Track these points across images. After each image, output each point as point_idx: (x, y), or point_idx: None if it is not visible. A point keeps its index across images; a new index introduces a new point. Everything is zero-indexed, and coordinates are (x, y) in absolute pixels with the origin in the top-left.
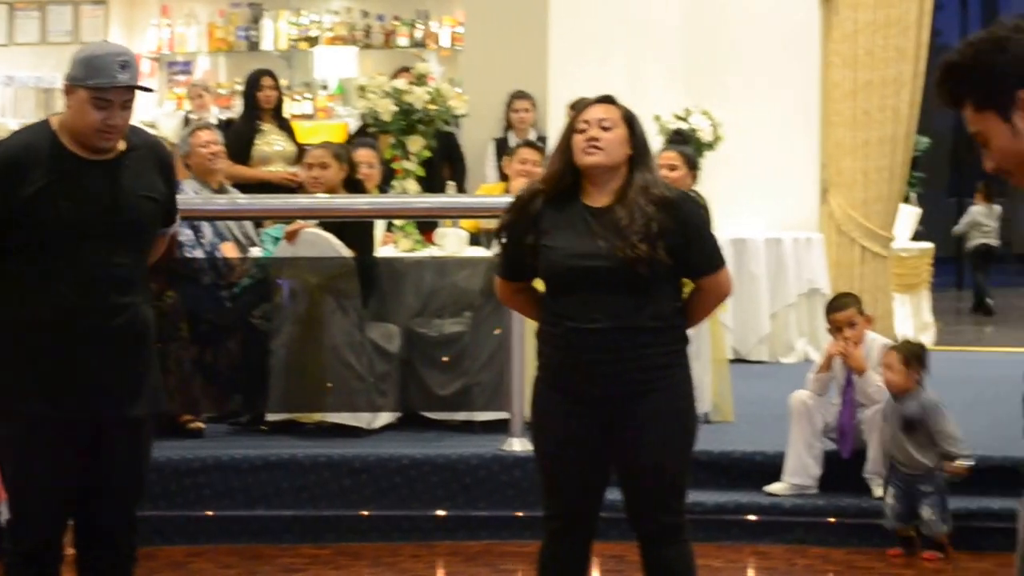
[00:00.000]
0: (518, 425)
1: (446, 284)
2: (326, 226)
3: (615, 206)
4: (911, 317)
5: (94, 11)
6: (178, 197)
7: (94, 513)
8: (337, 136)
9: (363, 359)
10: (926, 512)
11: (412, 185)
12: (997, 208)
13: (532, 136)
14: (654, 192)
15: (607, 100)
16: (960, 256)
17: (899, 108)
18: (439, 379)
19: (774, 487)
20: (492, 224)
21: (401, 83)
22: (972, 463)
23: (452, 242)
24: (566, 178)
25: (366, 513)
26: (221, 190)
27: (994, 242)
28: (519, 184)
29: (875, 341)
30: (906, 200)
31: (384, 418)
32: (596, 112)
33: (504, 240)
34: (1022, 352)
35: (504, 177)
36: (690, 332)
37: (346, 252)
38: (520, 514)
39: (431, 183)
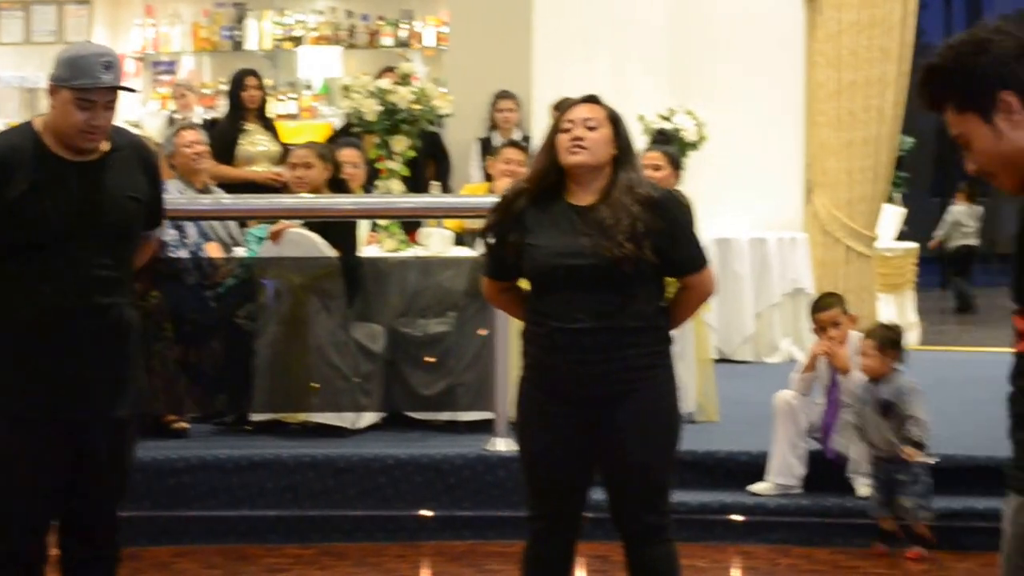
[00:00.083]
0: (503, 425)
1: (430, 284)
2: (310, 226)
3: (600, 205)
4: (896, 317)
5: (78, 11)
6: (163, 197)
7: (78, 513)
8: (321, 136)
9: (347, 359)
10: (906, 501)
11: (396, 185)
12: (978, 208)
13: (516, 136)
14: (639, 191)
15: (592, 100)
16: (943, 257)
17: (883, 108)
18: (423, 379)
19: (758, 487)
20: (477, 224)
21: (385, 83)
22: (926, 458)
23: (436, 242)
24: (550, 177)
25: (351, 513)
26: (205, 190)
27: (975, 242)
28: (503, 184)
29: (859, 340)
30: (890, 200)
31: (368, 418)
32: (581, 112)
33: (490, 239)
34: (1006, 352)
35: (488, 177)
36: (674, 332)
37: (330, 252)
38: (505, 514)
39: (415, 183)
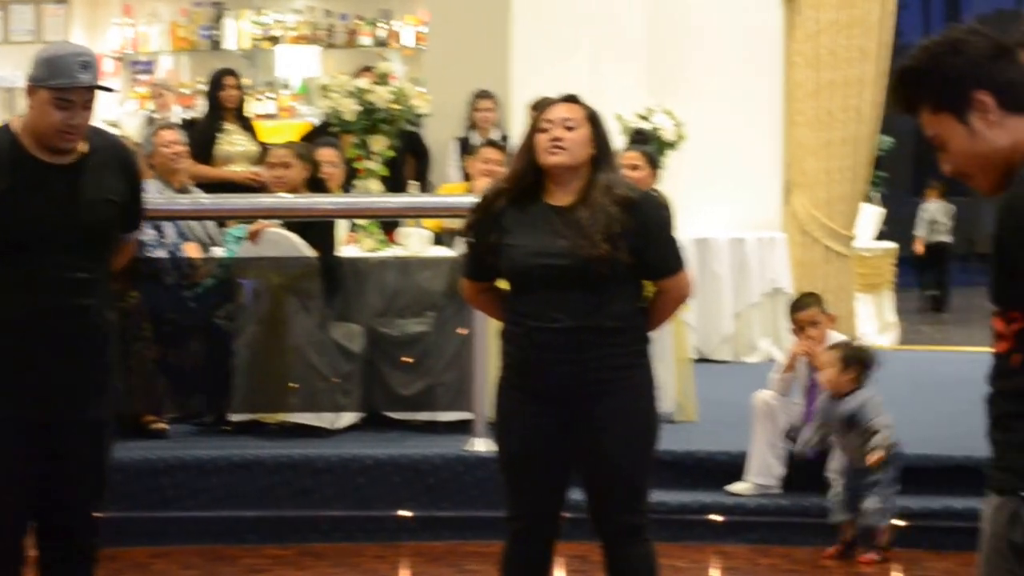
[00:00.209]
0: (481, 425)
1: (409, 284)
2: (289, 226)
3: (578, 205)
4: (874, 317)
5: (56, 10)
6: (142, 199)
7: (55, 514)
8: (298, 135)
9: (326, 359)
10: (869, 503)
11: (375, 185)
12: (952, 206)
13: (495, 135)
14: (617, 192)
15: (570, 99)
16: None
17: (862, 108)
18: (402, 379)
19: (737, 487)
20: (455, 224)
21: (363, 82)
22: (881, 454)
23: (415, 242)
24: (529, 177)
25: (329, 513)
26: (184, 190)
27: (949, 239)
28: (482, 184)
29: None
30: (868, 200)
31: (347, 418)
32: (559, 111)
33: (470, 240)
34: (984, 352)
35: (467, 176)
36: (652, 332)
37: (309, 252)
38: (484, 514)
39: (394, 182)
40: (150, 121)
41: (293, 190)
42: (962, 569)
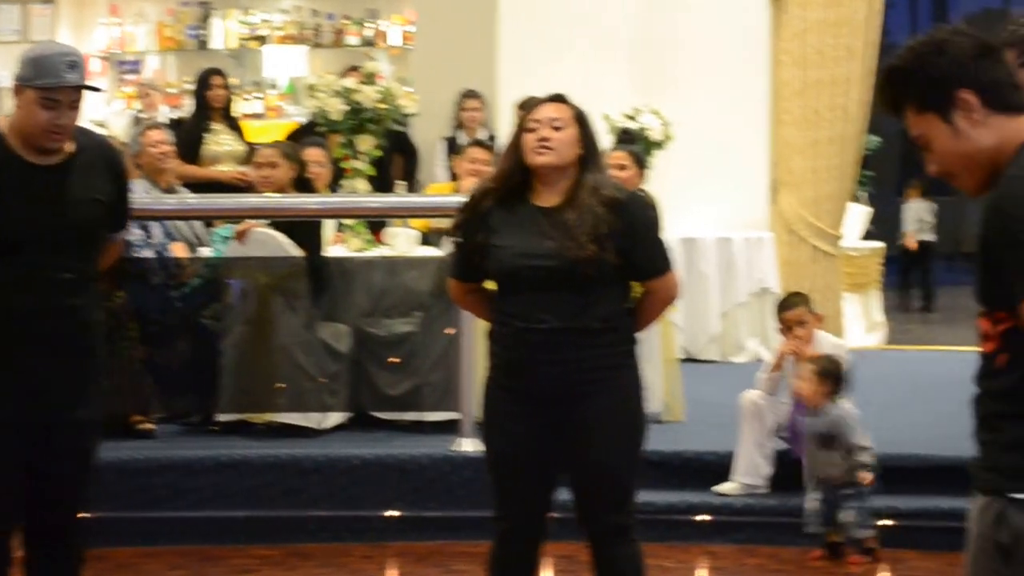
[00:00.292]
0: (469, 425)
1: (396, 284)
2: (276, 226)
3: (565, 207)
4: (861, 317)
5: (43, 10)
6: (129, 199)
7: (42, 514)
8: (284, 134)
9: (313, 359)
10: (846, 516)
11: (362, 184)
12: (933, 205)
13: (482, 135)
14: (604, 193)
15: (558, 99)
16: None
17: (849, 107)
18: (389, 379)
19: (725, 487)
20: (442, 224)
21: (350, 82)
22: (872, 475)
23: (402, 242)
24: (516, 177)
25: (317, 513)
26: (171, 190)
27: (933, 238)
28: (469, 183)
29: (825, 340)
30: (856, 199)
31: (334, 418)
32: (547, 111)
33: (458, 239)
34: (970, 351)
35: (454, 176)
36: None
37: (296, 252)
38: (471, 514)
39: (382, 182)
40: (137, 121)
41: (280, 190)
42: (949, 569)
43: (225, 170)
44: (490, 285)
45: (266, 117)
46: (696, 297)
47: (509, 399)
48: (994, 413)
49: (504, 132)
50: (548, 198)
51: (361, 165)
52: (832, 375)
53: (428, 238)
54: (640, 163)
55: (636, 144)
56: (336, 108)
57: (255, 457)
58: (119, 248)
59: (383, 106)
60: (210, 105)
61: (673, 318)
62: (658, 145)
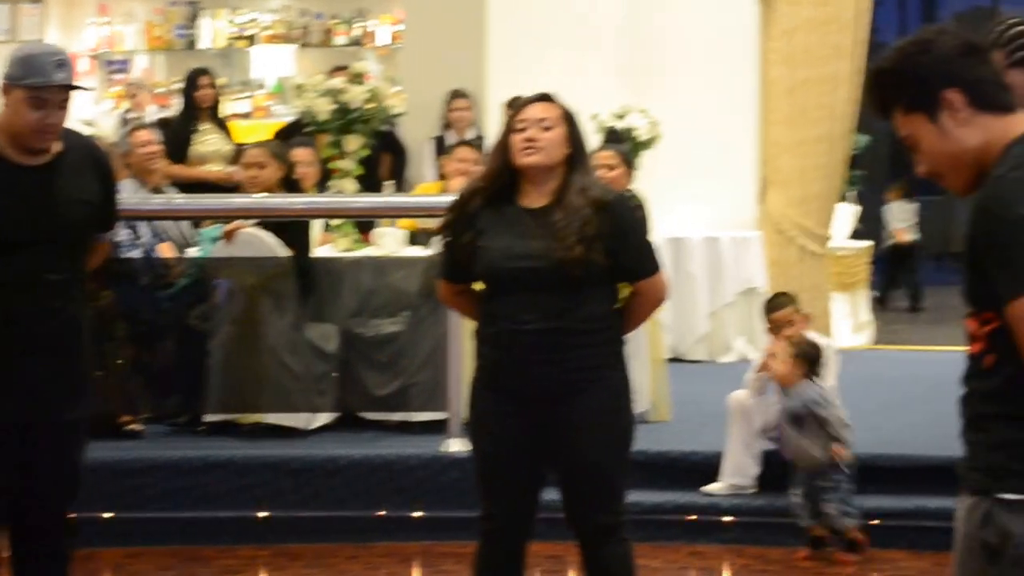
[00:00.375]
0: (456, 425)
1: (384, 284)
2: (264, 226)
3: (552, 207)
4: (849, 316)
5: (31, 10)
6: (116, 200)
7: (29, 515)
8: (271, 133)
9: (301, 359)
10: (829, 508)
11: (349, 184)
12: (916, 205)
13: (470, 135)
14: (591, 194)
15: (546, 98)
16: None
17: (837, 106)
18: (377, 379)
19: (712, 487)
20: (430, 224)
21: (338, 82)
22: (848, 450)
23: (390, 242)
24: (504, 177)
25: (304, 514)
26: (158, 190)
27: (916, 237)
28: (457, 183)
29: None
30: (844, 199)
31: (322, 419)
32: (535, 111)
33: (446, 239)
34: (958, 351)
35: (442, 176)
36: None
37: (284, 252)
38: (458, 515)
39: (370, 181)
40: (125, 121)
41: (268, 190)
42: (937, 569)
43: (213, 170)
44: (479, 287)
45: (254, 117)
46: (684, 297)
47: (496, 399)
48: (981, 414)
49: (492, 132)
50: (536, 198)
51: (349, 165)
52: (809, 357)
53: (416, 238)
54: (628, 163)
55: (624, 143)
56: (324, 108)
57: (243, 457)
58: (107, 248)
59: (371, 106)
60: (198, 105)
61: (660, 318)
62: (646, 144)
